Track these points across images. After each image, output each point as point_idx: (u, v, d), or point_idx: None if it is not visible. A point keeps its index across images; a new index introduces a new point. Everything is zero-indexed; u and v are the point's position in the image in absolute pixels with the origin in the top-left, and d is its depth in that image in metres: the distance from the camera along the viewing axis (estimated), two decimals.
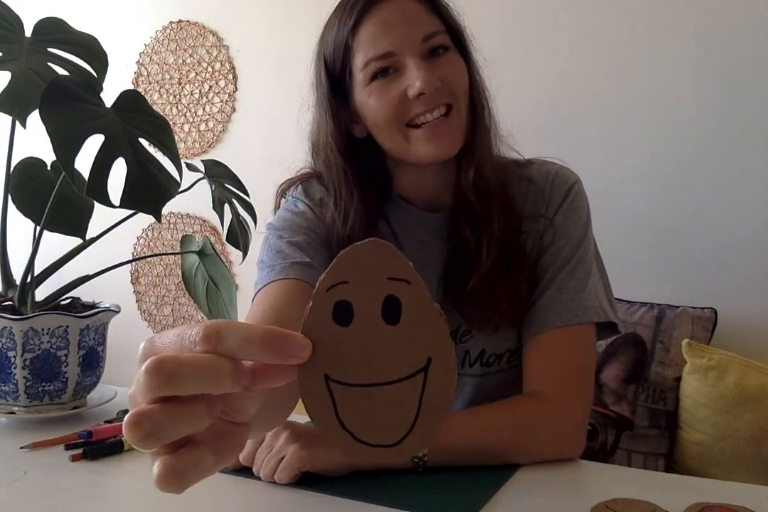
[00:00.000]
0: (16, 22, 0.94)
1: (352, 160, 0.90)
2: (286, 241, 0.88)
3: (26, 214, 0.96)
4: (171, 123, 1.28)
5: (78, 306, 0.98)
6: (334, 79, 0.89)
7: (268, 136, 1.97)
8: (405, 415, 0.38)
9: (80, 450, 0.80)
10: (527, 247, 0.92)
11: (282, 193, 0.98)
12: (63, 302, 0.98)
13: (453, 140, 0.86)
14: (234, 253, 2.00)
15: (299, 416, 0.82)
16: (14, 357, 0.89)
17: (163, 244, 2.15)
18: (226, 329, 0.35)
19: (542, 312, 0.89)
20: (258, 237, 1.18)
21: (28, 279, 0.94)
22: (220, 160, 1.11)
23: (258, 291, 0.87)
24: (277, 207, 0.98)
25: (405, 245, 0.93)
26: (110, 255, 1.18)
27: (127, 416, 0.34)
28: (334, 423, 0.38)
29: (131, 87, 2.15)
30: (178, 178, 0.91)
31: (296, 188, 0.97)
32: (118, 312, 0.98)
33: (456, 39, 0.88)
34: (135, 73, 2.14)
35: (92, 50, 1.00)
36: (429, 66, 0.83)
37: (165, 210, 0.88)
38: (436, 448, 0.75)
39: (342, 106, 0.90)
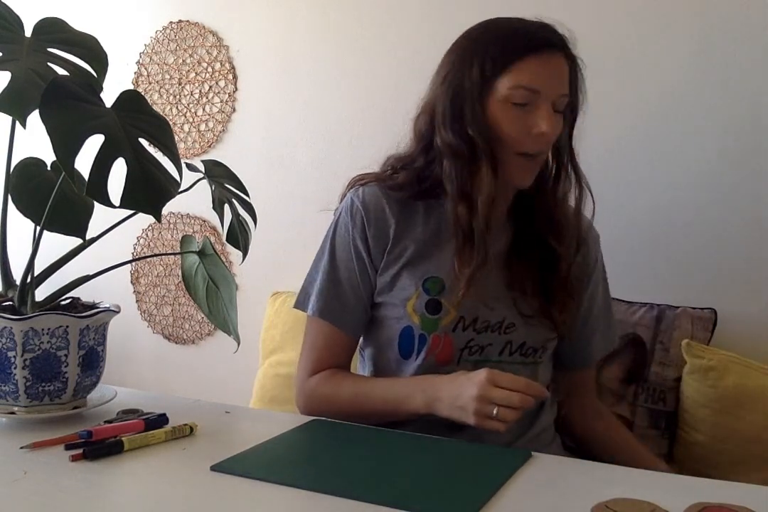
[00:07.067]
0: (16, 22, 0.93)
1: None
2: (347, 276, 1.09)
3: (26, 214, 0.96)
4: (171, 123, 1.28)
5: (78, 307, 0.98)
6: (486, 79, 1.02)
7: (268, 136, 1.97)
8: None
9: (80, 450, 0.80)
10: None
11: (350, 186, 1.14)
12: (63, 302, 0.98)
13: (533, 176, 1.06)
14: (234, 253, 2.00)
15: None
16: (14, 357, 0.89)
17: (163, 244, 2.15)
18: (533, 386, 0.92)
19: (595, 346, 1.20)
20: (258, 237, 1.18)
21: (28, 279, 0.94)
22: (220, 160, 1.11)
23: (312, 312, 1.11)
24: (342, 196, 1.15)
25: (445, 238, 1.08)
26: (110, 255, 1.18)
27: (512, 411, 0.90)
28: None
29: (131, 87, 2.15)
30: (178, 178, 0.91)
31: (356, 192, 1.11)
32: (118, 312, 0.98)
33: (572, 103, 1.06)
34: (135, 73, 2.14)
35: (92, 50, 1.00)
36: (553, 116, 1.01)
37: (165, 210, 0.88)
38: None
39: (482, 100, 1.03)
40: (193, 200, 1.24)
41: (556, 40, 1.02)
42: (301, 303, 1.14)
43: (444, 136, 1.04)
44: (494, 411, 0.90)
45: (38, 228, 0.95)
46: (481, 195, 1.02)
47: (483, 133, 1.01)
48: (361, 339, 1.17)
